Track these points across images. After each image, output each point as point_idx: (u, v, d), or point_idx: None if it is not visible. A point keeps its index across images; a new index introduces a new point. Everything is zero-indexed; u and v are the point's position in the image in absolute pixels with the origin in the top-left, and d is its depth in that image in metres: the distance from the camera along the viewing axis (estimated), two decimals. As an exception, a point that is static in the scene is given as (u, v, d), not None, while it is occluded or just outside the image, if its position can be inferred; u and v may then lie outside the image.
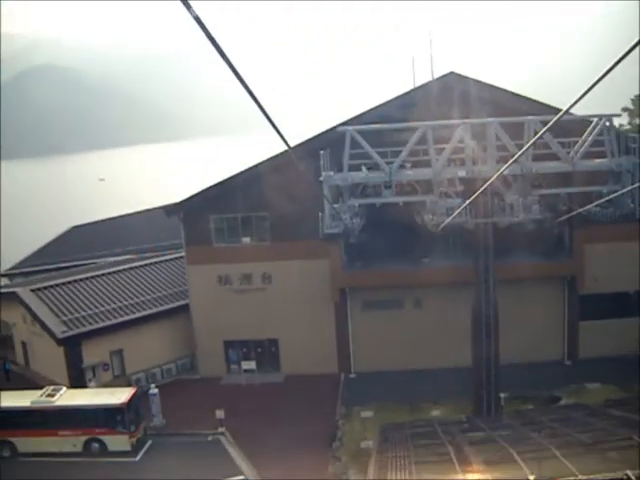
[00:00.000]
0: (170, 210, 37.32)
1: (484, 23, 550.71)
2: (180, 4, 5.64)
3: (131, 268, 40.86)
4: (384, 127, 26.99)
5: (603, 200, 23.24)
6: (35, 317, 36.14)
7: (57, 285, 38.30)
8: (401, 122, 26.99)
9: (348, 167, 25.64)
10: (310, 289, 35.00)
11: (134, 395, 29.31)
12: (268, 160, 34.54)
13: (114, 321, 36.19)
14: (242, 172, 35.18)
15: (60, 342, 34.57)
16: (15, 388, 33.09)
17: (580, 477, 12.88)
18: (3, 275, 56.22)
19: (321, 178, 25.49)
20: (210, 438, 29.53)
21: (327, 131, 33.30)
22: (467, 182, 25.42)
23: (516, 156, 13.08)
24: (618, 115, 28.55)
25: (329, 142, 29.18)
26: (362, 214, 28.32)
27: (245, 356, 36.36)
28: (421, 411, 30.10)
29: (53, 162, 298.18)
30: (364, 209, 28.59)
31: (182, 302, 37.86)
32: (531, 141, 15.32)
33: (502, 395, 27.87)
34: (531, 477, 13.40)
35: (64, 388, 30.63)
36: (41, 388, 30.80)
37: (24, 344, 39.26)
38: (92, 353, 35.11)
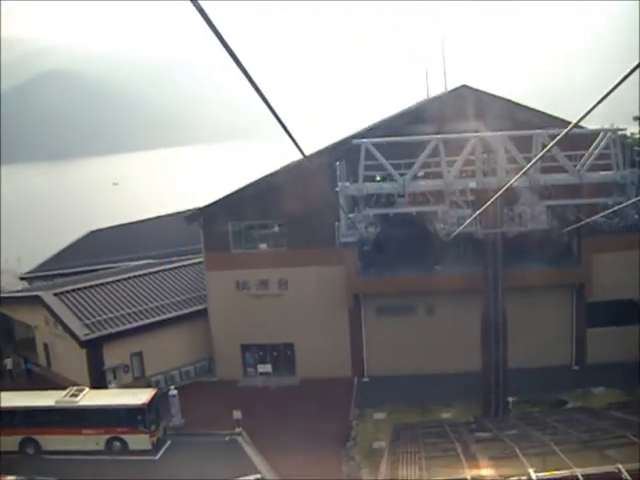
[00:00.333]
0: (190, 217, 38.11)
1: (484, 23, 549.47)
2: (194, 10, 5.67)
3: (151, 273, 41.53)
4: (398, 140, 27.71)
5: (609, 211, 23.66)
6: (58, 320, 36.84)
7: (79, 289, 39.03)
8: (413, 134, 27.74)
9: (363, 178, 26.48)
10: (325, 295, 35.48)
11: (155, 396, 29.98)
12: (285, 169, 35.39)
13: (134, 324, 36.88)
14: (260, 180, 35.79)
15: (83, 344, 35.34)
16: (37, 388, 33.82)
17: (576, 470, 13.87)
18: (22, 278, 57.56)
19: (337, 189, 26.20)
20: (227, 438, 30.05)
21: (342, 141, 34.07)
22: (477, 193, 26.07)
23: (524, 169, 13.85)
24: (623, 129, 29.12)
25: (343, 152, 30.01)
26: (377, 223, 28.72)
27: (261, 360, 36.80)
28: (432, 413, 30.53)
29: (66, 167, 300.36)
30: (378, 218, 28.95)
31: (200, 307, 38.40)
32: (538, 155, 15.83)
33: (510, 399, 28.44)
34: (531, 470, 14.42)
35: (87, 389, 31.34)
36: (63, 389, 31.45)
37: (46, 346, 39.93)
38: (113, 355, 35.81)
